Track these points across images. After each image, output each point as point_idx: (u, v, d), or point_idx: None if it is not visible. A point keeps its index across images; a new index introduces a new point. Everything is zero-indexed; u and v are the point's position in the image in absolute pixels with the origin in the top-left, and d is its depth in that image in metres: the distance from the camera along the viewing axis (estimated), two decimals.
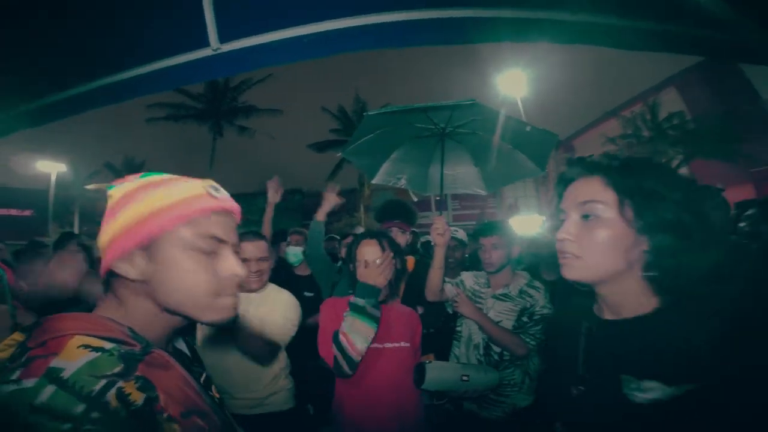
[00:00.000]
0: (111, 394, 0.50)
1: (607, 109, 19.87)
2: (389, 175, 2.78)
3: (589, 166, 0.81)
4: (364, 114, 2.32)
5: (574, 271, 0.78)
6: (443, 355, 2.25)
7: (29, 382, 0.48)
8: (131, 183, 0.67)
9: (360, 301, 1.54)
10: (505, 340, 1.92)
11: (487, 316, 2.01)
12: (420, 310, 2.30)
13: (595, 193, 0.77)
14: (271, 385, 1.83)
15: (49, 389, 0.47)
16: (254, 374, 1.80)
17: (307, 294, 2.87)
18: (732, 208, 2.23)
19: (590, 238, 0.76)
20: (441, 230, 1.99)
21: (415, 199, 2.95)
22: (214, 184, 0.72)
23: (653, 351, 0.68)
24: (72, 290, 1.84)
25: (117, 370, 0.53)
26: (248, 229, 1.88)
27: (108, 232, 0.64)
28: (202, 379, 0.74)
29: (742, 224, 2.10)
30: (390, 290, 1.70)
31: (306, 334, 2.01)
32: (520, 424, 1.92)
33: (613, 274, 0.76)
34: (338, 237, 4.72)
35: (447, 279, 2.16)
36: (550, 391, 0.87)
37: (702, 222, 0.70)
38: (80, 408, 0.47)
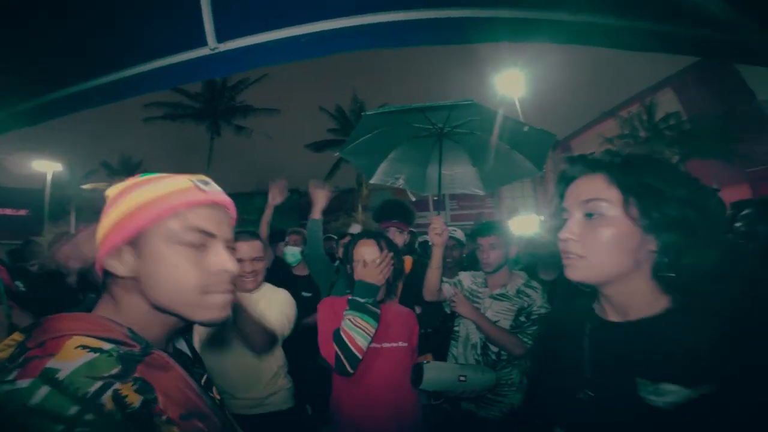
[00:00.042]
0: (107, 396, 0.49)
1: (605, 109, 19.95)
2: (387, 175, 2.78)
3: (592, 164, 0.79)
4: (362, 114, 2.31)
5: (578, 271, 0.76)
6: (441, 354, 2.26)
7: (24, 383, 0.47)
8: (125, 182, 0.68)
9: (360, 299, 1.54)
10: (503, 340, 1.93)
11: (484, 315, 2.01)
12: (418, 309, 2.31)
13: (599, 191, 0.74)
14: (270, 384, 1.83)
15: (44, 390, 0.47)
16: (254, 374, 1.80)
17: (305, 294, 2.87)
18: (728, 209, 2.24)
19: (594, 237, 0.73)
20: (439, 230, 1.99)
21: (413, 199, 2.95)
22: (205, 178, 0.71)
23: (667, 353, 0.67)
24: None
25: (114, 371, 0.52)
26: (245, 228, 1.88)
27: (100, 230, 0.65)
28: (203, 380, 0.73)
29: (738, 224, 2.12)
30: (387, 290, 1.71)
31: (304, 334, 2.01)
32: (517, 423, 1.92)
33: (620, 274, 0.74)
34: (335, 237, 4.72)
35: (445, 279, 2.16)
36: (551, 393, 0.84)
37: (707, 219, 0.68)
38: (74, 410, 0.47)
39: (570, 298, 0.94)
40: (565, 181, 0.83)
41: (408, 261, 2.53)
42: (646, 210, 0.70)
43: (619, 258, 0.72)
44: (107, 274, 0.65)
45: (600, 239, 0.73)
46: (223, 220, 0.69)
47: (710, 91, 16.36)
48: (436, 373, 1.62)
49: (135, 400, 0.52)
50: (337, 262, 3.12)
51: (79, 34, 1.42)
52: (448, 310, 2.19)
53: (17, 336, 0.55)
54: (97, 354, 0.53)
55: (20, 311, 2.21)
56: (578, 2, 1.36)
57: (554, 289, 2.33)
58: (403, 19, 1.48)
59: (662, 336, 0.69)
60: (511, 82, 13.13)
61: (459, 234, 3.08)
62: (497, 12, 1.45)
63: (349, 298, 1.59)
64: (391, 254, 1.67)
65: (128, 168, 26.95)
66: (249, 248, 1.81)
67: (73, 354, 0.52)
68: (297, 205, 21.57)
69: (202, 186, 0.68)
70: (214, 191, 0.69)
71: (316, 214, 2.50)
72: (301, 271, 3.17)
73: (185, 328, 0.72)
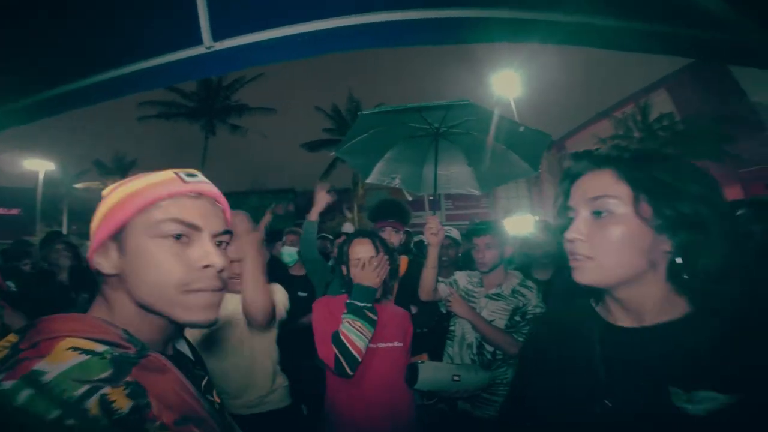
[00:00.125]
0: (92, 401, 0.48)
1: (599, 109, 20.08)
2: (383, 174, 2.78)
3: (599, 159, 0.74)
4: (358, 113, 2.31)
5: (587, 273, 0.71)
6: (437, 354, 2.26)
7: (8, 384, 0.46)
8: (120, 181, 0.68)
9: (358, 303, 1.55)
10: (498, 340, 1.93)
11: (480, 315, 2.02)
12: (414, 309, 2.31)
13: (607, 188, 0.70)
14: (269, 383, 1.84)
15: (26, 393, 0.46)
16: (252, 373, 1.80)
17: (301, 294, 2.87)
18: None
19: (603, 236, 0.69)
20: (434, 230, 1.99)
21: (410, 199, 2.95)
22: (192, 171, 0.69)
23: (698, 359, 0.62)
24: None
25: (105, 375, 0.51)
26: None
27: (91, 228, 0.65)
28: (203, 382, 0.71)
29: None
30: (383, 290, 1.71)
31: (300, 334, 2.01)
32: (500, 424, 1.92)
33: (632, 276, 0.69)
34: (330, 237, 4.71)
35: (440, 279, 2.17)
36: (544, 396, 0.79)
37: (722, 216, 0.64)
38: (54, 414, 0.45)
39: (567, 299, 0.89)
40: (570, 178, 0.78)
41: (404, 261, 2.53)
42: (658, 207, 0.66)
43: (631, 258, 0.68)
44: (98, 273, 0.63)
45: (609, 238, 0.68)
46: (210, 212, 0.66)
47: (704, 92, 16.53)
48: (430, 372, 1.62)
49: (124, 405, 0.49)
50: (332, 261, 3.12)
51: (74, 31, 1.41)
52: (443, 310, 2.20)
53: (12, 337, 0.54)
54: (89, 356, 0.51)
55: (12, 311, 2.18)
56: (576, 3, 1.36)
57: (549, 289, 2.34)
58: (400, 19, 1.48)
59: (689, 341, 0.64)
60: (506, 82, 13.19)
61: (455, 233, 3.09)
62: (493, 12, 1.45)
63: (347, 301, 1.59)
64: (386, 256, 1.68)
65: (121, 167, 26.73)
66: (235, 249, 1.80)
67: (63, 356, 0.50)
68: (292, 205, 21.52)
69: (185, 177, 0.66)
70: (199, 182, 0.67)
71: (313, 215, 2.49)
72: (298, 271, 3.16)
73: (183, 328, 0.70)
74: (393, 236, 2.43)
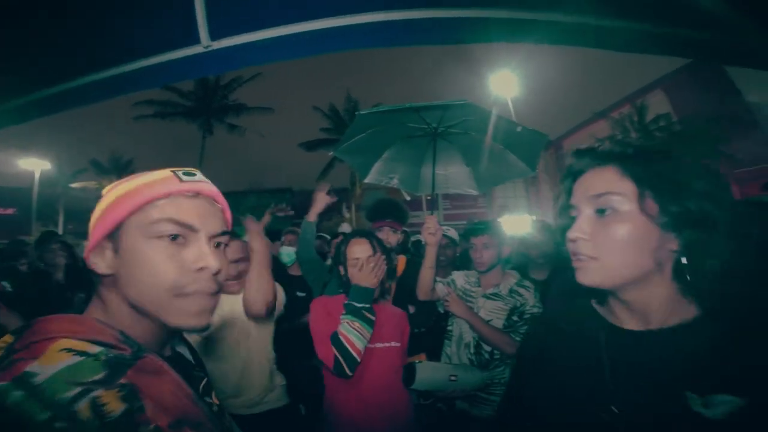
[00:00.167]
0: (83, 404, 0.47)
1: (597, 110, 20.13)
2: (381, 174, 2.78)
3: (602, 155, 0.71)
4: (356, 113, 2.31)
5: (591, 274, 0.68)
6: (435, 354, 2.26)
7: None
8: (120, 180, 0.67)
9: (356, 304, 1.56)
10: (496, 339, 1.94)
11: (477, 315, 2.02)
12: (411, 309, 2.31)
13: (611, 184, 0.67)
14: (267, 382, 1.85)
15: (16, 394, 0.45)
16: (249, 373, 1.81)
17: (299, 294, 2.86)
18: None
19: (607, 235, 0.66)
20: (432, 230, 2.00)
21: (408, 199, 2.94)
22: (191, 169, 0.68)
23: (713, 362, 0.60)
24: None
25: (98, 377, 0.50)
26: (238, 228, 1.87)
27: (89, 228, 0.64)
28: (202, 384, 0.70)
29: None
30: (380, 290, 1.71)
31: (298, 334, 2.01)
32: (499, 424, 1.93)
33: (638, 276, 0.66)
34: (328, 237, 4.71)
35: (438, 278, 2.17)
36: (544, 396, 0.76)
37: (730, 214, 0.62)
38: (44, 416, 0.44)
39: (566, 300, 0.89)
40: (572, 175, 0.75)
41: (401, 260, 2.53)
42: (665, 204, 0.64)
43: (636, 258, 0.65)
44: (94, 272, 0.63)
45: (614, 237, 0.65)
46: (208, 212, 0.65)
47: (700, 93, 16.60)
48: (428, 372, 1.63)
49: (116, 408, 0.49)
50: (329, 261, 3.11)
51: (71, 30, 1.40)
52: (441, 310, 2.20)
53: (8, 338, 0.53)
54: (83, 358, 0.51)
55: (8, 312, 2.18)
56: (575, 3, 1.36)
57: (546, 288, 2.35)
58: (398, 19, 1.48)
59: (702, 344, 0.62)
60: (504, 82, 13.21)
61: (452, 233, 3.09)
62: (491, 12, 1.45)
63: (346, 302, 1.59)
64: (384, 256, 1.68)
65: (118, 167, 26.63)
66: (229, 250, 1.80)
67: (56, 357, 0.49)
68: (290, 204, 21.51)
69: (182, 176, 0.64)
70: (197, 181, 0.65)
71: (312, 216, 2.48)
72: (296, 271, 3.15)
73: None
74: (391, 236, 2.43)
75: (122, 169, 26.37)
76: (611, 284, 0.68)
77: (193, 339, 1.78)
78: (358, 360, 1.49)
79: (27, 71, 1.56)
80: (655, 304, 0.68)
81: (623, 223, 0.65)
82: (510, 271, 2.20)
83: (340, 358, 1.48)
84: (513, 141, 2.41)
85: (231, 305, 1.81)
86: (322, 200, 2.46)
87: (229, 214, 0.72)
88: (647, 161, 0.67)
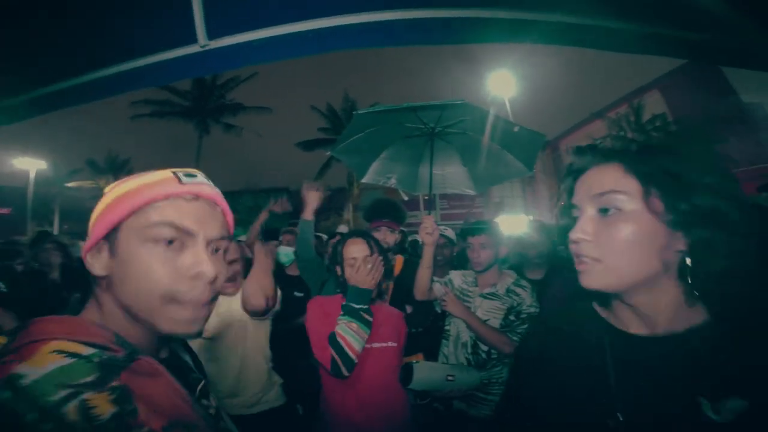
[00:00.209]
0: (71, 406, 0.46)
1: (594, 110, 20.23)
2: (379, 174, 2.79)
3: (604, 152, 0.69)
4: (354, 113, 2.31)
5: (595, 277, 0.65)
6: (432, 353, 2.27)
7: None
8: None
9: (354, 305, 1.56)
10: (493, 339, 1.94)
11: (475, 314, 2.02)
12: (409, 309, 2.31)
13: (614, 182, 0.64)
14: (264, 381, 1.85)
15: (3, 396, 0.44)
16: (247, 372, 1.82)
17: (297, 294, 2.86)
18: None
19: (611, 235, 0.63)
20: (430, 229, 2.00)
21: (406, 198, 2.95)
22: (192, 170, 0.66)
23: (722, 367, 0.58)
24: None
25: (88, 379, 0.49)
26: (235, 229, 1.87)
27: (89, 227, 0.63)
28: (199, 386, 0.69)
29: None
30: (377, 291, 1.72)
31: (296, 334, 2.01)
32: (499, 424, 1.93)
33: (645, 279, 0.63)
34: (325, 236, 4.70)
35: (435, 278, 2.17)
36: (544, 396, 0.74)
37: (743, 211, 0.58)
38: (31, 418, 0.44)
39: (565, 300, 0.88)
40: (574, 174, 0.72)
41: (399, 260, 2.53)
42: (672, 201, 0.61)
43: (642, 259, 0.62)
44: (91, 273, 0.62)
45: (618, 238, 0.62)
46: (207, 215, 0.63)
47: (695, 93, 16.71)
48: (425, 372, 1.63)
49: (106, 410, 0.48)
50: (326, 260, 3.11)
51: (68, 29, 1.39)
52: (438, 309, 2.20)
53: (1, 339, 0.53)
54: (74, 359, 0.50)
55: (3, 312, 2.16)
56: (574, 3, 1.36)
57: (543, 288, 2.35)
58: (395, 19, 1.48)
59: (712, 349, 0.59)
60: (502, 82, 13.24)
61: (450, 233, 3.09)
62: (490, 12, 1.45)
63: (343, 303, 1.60)
64: (381, 257, 1.68)
65: (114, 166, 26.52)
66: (232, 250, 1.80)
67: (46, 359, 0.49)
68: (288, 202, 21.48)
69: (182, 178, 0.62)
70: (197, 183, 0.64)
71: (308, 215, 2.47)
72: (294, 271, 3.14)
73: None
74: (388, 236, 2.43)
75: (118, 168, 26.27)
76: (617, 287, 0.65)
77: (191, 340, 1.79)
78: (355, 361, 1.50)
79: (23, 70, 1.55)
80: (662, 308, 0.65)
81: (628, 222, 0.62)
82: (507, 271, 2.21)
83: (337, 358, 1.48)
84: (510, 141, 2.42)
85: (228, 305, 1.81)
86: (313, 197, 2.44)
87: (230, 218, 0.71)
88: (652, 157, 0.64)
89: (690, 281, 0.62)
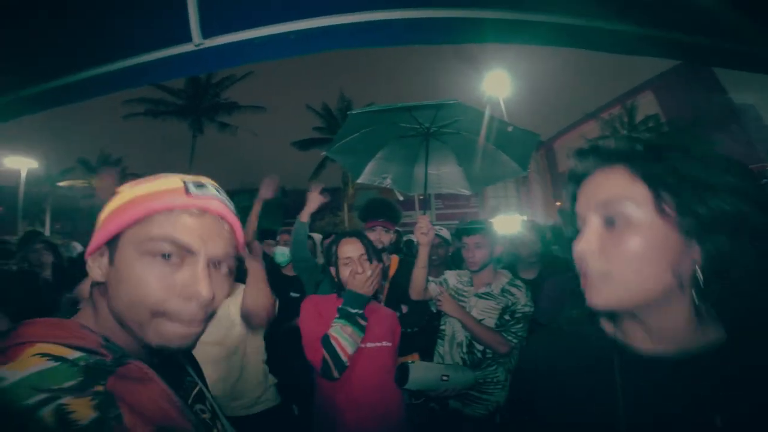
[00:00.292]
0: (47, 411, 0.44)
1: (587, 111, 20.39)
2: (374, 174, 2.79)
3: (608, 154, 0.61)
4: (349, 113, 2.31)
5: (603, 295, 0.58)
6: (427, 353, 2.27)
7: None
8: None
9: (350, 309, 1.56)
10: (488, 339, 1.95)
11: (470, 314, 2.03)
12: (404, 308, 2.32)
13: (621, 189, 0.58)
14: (262, 381, 1.85)
15: None
16: (247, 374, 1.82)
17: (293, 294, 2.85)
18: None
19: (619, 248, 0.56)
20: (425, 229, 2.00)
21: (401, 198, 2.95)
22: (202, 180, 0.63)
23: (744, 387, 0.53)
24: None
25: (69, 384, 0.48)
26: None
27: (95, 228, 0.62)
28: (194, 391, 0.68)
29: None
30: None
31: (293, 334, 2.00)
32: (503, 421, 1.95)
33: (660, 294, 0.56)
34: (320, 236, 4.70)
35: (431, 278, 2.18)
36: (545, 397, 0.69)
37: (764, 213, 0.52)
38: (6, 421, 0.43)
39: (557, 300, 0.83)
40: (576, 179, 0.65)
41: (394, 260, 2.54)
42: (687, 207, 0.54)
43: (654, 274, 0.55)
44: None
45: (627, 251, 0.56)
46: (212, 232, 0.60)
47: (689, 94, 16.89)
48: (421, 372, 1.63)
49: (85, 416, 0.46)
50: (320, 259, 3.11)
51: (61, 27, 1.38)
52: (434, 309, 2.21)
53: None
54: (57, 363, 0.49)
55: None
56: (570, 4, 1.37)
57: (536, 288, 2.37)
58: (391, 18, 1.48)
59: (731, 369, 0.54)
60: (496, 82, 13.30)
61: (445, 233, 3.10)
62: (486, 13, 1.46)
63: (339, 306, 1.60)
64: (380, 264, 1.69)
65: (106, 165, 26.23)
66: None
67: (27, 363, 0.48)
68: (282, 204, 21.41)
69: (192, 189, 0.59)
70: (206, 196, 0.60)
71: (304, 216, 2.47)
72: (291, 272, 3.14)
73: None
74: (383, 235, 2.43)
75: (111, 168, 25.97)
76: (627, 305, 0.59)
77: None
78: (347, 364, 1.50)
79: (15, 69, 1.53)
80: (676, 325, 0.59)
81: (638, 234, 0.56)
82: (502, 271, 2.22)
83: (329, 360, 1.48)
84: (505, 141, 2.43)
85: (226, 306, 1.80)
86: (315, 200, 2.45)
87: (240, 234, 0.67)
88: (662, 158, 0.57)
89: (704, 295, 0.56)
